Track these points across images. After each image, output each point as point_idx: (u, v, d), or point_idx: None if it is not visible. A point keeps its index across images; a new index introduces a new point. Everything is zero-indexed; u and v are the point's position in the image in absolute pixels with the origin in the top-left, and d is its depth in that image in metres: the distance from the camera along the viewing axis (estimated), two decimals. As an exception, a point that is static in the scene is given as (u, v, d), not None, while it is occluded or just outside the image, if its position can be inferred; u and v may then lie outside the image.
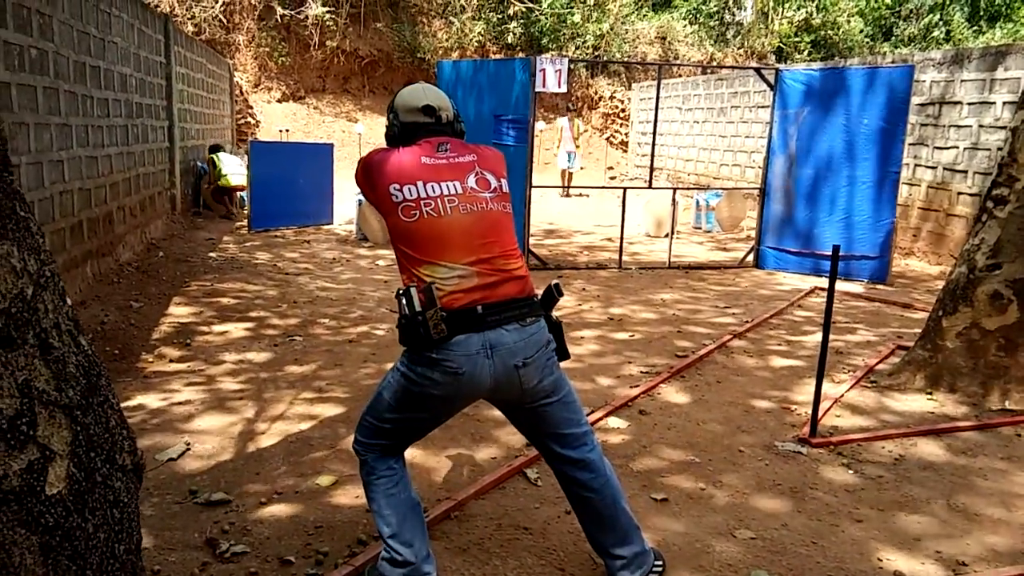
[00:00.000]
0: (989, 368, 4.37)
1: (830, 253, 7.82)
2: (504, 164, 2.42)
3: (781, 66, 11.37)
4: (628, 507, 2.44)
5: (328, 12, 17.46)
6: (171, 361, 4.60)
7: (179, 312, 5.70)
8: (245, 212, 10.30)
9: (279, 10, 17.22)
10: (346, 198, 11.04)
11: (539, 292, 2.34)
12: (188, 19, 16.34)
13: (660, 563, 2.52)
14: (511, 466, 3.26)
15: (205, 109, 11.63)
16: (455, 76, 8.11)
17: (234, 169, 10.40)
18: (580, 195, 14.75)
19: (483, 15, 18.94)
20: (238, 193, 10.66)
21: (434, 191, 2.22)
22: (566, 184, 14.34)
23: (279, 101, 17.97)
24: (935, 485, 3.34)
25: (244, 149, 14.42)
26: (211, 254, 8.01)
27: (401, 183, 2.22)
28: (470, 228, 2.22)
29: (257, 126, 16.90)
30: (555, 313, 2.38)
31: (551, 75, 7.43)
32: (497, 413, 3.82)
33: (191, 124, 10.56)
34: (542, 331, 2.27)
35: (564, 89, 7.74)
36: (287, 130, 16.74)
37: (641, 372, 4.69)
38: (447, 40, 18.66)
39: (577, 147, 14.46)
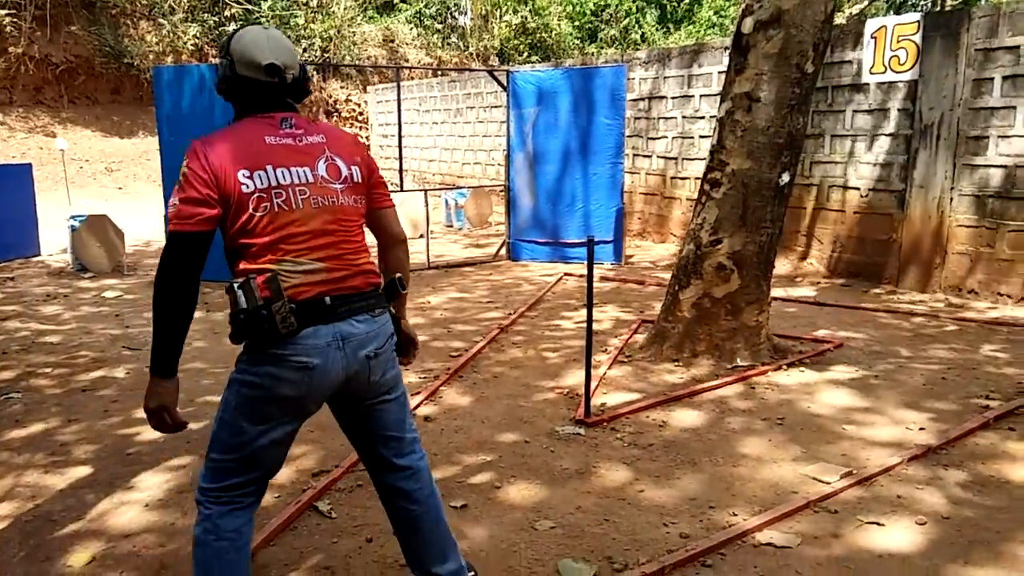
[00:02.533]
0: (721, 332, 4.92)
1: (574, 241, 8.35)
2: (359, 147, 2.19)
3: (512, 68, 11.92)
4: (446, 521, 2.35)
5: (8, 15, 15.15)
6: None
7: None
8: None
9: (-60, 11, 14.61)
10: (54, 224, 9.66)
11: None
12: None
13: (472, 574, 2.48)
14: (299, 502, 3.03)
15: None
16: (176, 83, 7.41)
17: None
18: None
19: (197, 17, 17.61)
20: None
21: (284, 178, 2.00)
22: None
23: (-48, 117, 15.27)
24: (697, 445, 3.68)
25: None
26: None
27: (251, 169, 1.96)
28: (322, 225, 2.03)
29: (-75, 148, 14.20)
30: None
31: (286, 80, 7.06)
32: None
33: None
34: (389, 323, 2.17)
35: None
36: (-34, 151, 14.28)
37: (420, 378, 4.64)
38: (158, 44, 17.09)
39: None
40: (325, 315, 2.00)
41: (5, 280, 7.77)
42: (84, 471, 3.40)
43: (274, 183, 1.99)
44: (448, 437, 3.78)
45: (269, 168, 2.00)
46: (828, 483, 3.24)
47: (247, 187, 1.96)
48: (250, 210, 1.97)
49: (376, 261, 2.23)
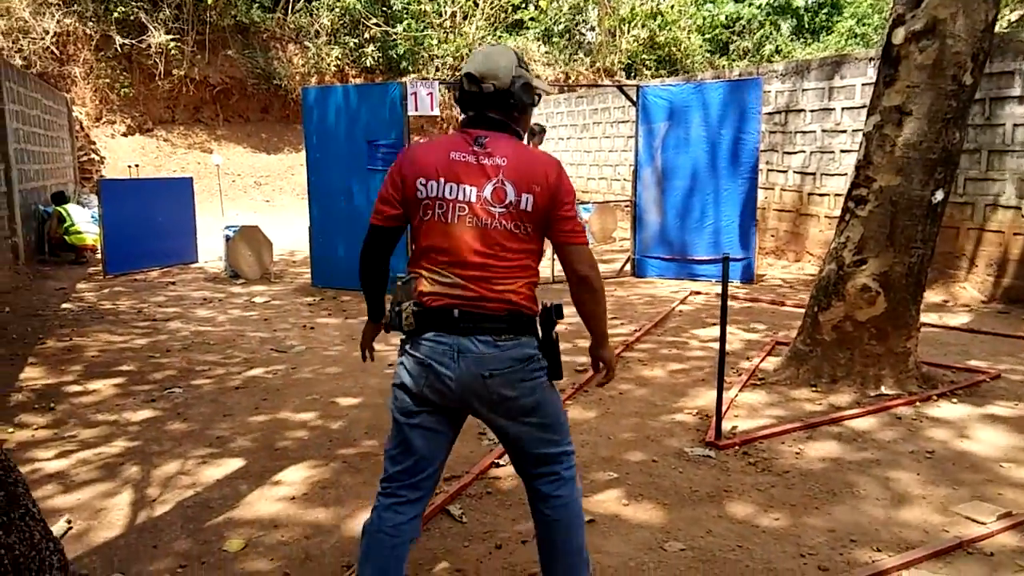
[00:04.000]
0: (864, 357, 4.68)
1: (703, 258, 8.19)
2: (545, 178, 2.16)
3: (642, 83, 11.86)
4: (583, 544, 2.34)
5: (172, 40, 16.59)
6: (36, 429, 4.13)
7: (36, 373, 5.15)
8: (98, 256, 9.53)
9: (118, 39, 16.19)
10: (211, 233, 10.46)
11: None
12: (16, 52, 15.05)
13: None
14: (433, 505, 3.13)
15: (44, 148, 10.71)
16: (322, 103, 7.88)
17: (86, 224, 9.60)
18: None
19: (339, 40, 18.62)
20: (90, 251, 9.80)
21: (450, 193, 2.16)
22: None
23: (124, 135, 16.86)
24: (837, 475, 3.52)
25: (90, 188, 13.44)
26: (65, 305, 7.33)
27: (427, 178, 2.17)
28: (471, 243, 2.14)
29: (102, 162, 15.75)
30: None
31: (423, 98, 7.36)
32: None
33: (30, 165, 9.69)
34: (519, 348, 2.17)
35: (436, 112, 7.70)
36: (136, 165, 15.71)
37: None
38: (303, 66, 18.20)
39: None
40: (449, 325, 2.14)
41: (168, 284, 8.48)
42: (237, 463, 3.66)
43: (440, 195, 2.15)
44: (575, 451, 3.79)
45: (442, 180, 2.15)
46: (983, 523, 3.01)
47: (420, 194, 2.17)
48: (420, 215, 2.19)
49: (531, 288, 2.24)
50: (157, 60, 16.65)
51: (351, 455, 3.76)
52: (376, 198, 2.26)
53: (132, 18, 16.39)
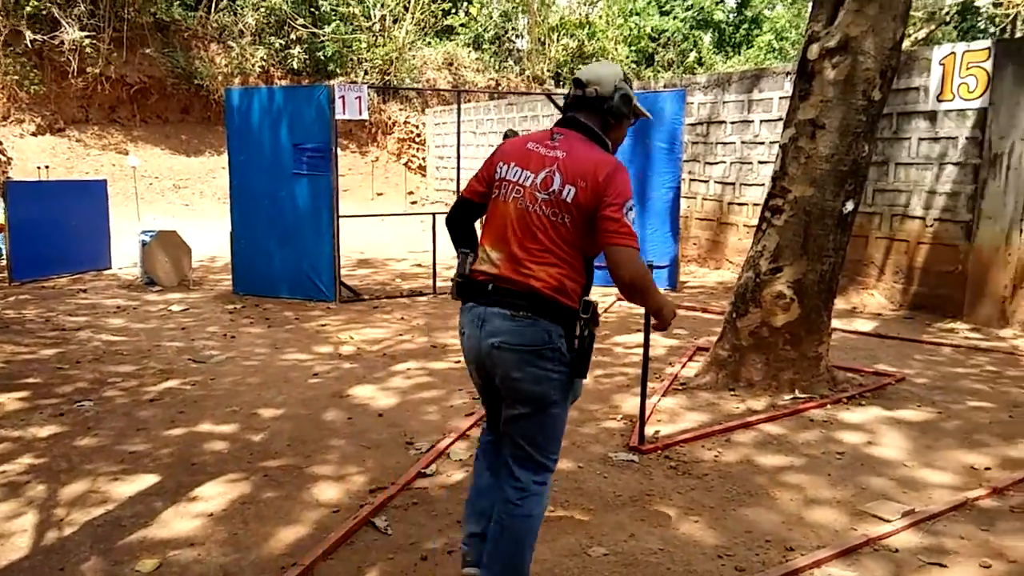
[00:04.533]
0: (779, 362, 4.85)
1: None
2: (594, 176, 2.25)
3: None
4: (519, 564, 2.40)
5: (87, 37, 15.92)
6: (-71, 448, 3.88)
7: (-69, 387, 4.85)
8: (3, 263, 9.04)
9: (28, 35, 15.44)
10: (126, 238, 10.07)
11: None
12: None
13: None
14: (357, 518, 3.09)
15: (-58, 146, 10.10)
16: (247, 104, 7.69)
17: None
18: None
19: (264, 40, 18.23)
20: None
21: (513, 176, 2.38)
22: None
23: (34, 135, 16.08)
24: (754, 477, 3.63)
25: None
26: (-36, 314, 6.92)
27: (505, 162, 2.42)
28: (515, 223, 2.34)
29: (9, 163, 14.96)
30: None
31: (351, 102, 7.28)
32: (325, 468, 3.66)
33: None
34: (534, 331, 2.27)
35: (365, 116, 7.62)
36: (47, 166, 15.00)
37: (474, 399, 4.68)
38: (227, 66, 17.73)
39: None
40: (482, 297, 2.36)
41: (79, 291, 8.11)
42: (152, 479, 3.53)
43: (506, 176, 2.40)
44: (502, 459, 3.80)
45: (512, 165, 2.40)
46: (889, 521, 3.16)
47: (496, 175, 2.44)
48: (492, 194, 2.45)
49: (562, 278, 2.29)
50: (71, 57, 15.96)
51: (273, 468, 3.67)
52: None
53: (44, 13, 15.67)
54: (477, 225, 2.56)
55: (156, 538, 3.00)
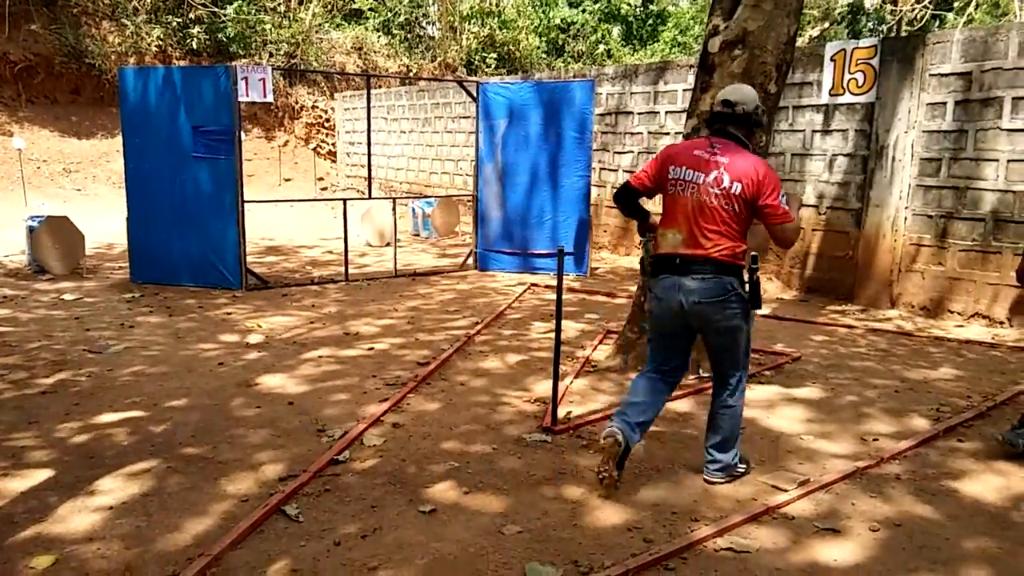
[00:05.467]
0: (685, 343, 5.02)
1: (541, 252, 8.39)
2: (754, 174, 3.15)
3: (482, 79, 11.99)
4: (732, 427, 3.39)
5: (-37, 9, 14.79)
6: None
7: None
8: None
9: None
10: (12, 225, 9.45)
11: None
12: None
13: (744, 466, 3.49)
14: (267, 505, 3.03)
15: None
16: (142, 85, 7.33)
17: None
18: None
19: (161, 19, 17.38)
20: None
21: (687, 176, 3.24)
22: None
23: (-97, 113, 14.83)
24: (660, 453, 3.76)
25: None
26: None
27: (677, 165, 3.28)
28: (692, 213, 3.21)
29: None
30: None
31: (255, 83, 7.05)
32: (233, 457, 3.59)
33: None
34: (718, 286, 3.19)
35: (270, 98, 7.41)
36: (-83, 147, 13.87)
37: (387, 385, 4.65)
38: (120, 45, 16.82)
39: None
40: (672, 269, 3.25)
41: (-42, 281, 7.57)
42: (45, 474, 3.35)
43: (681, 178, 3.26)
44: (416, 444, 3.80)
45: (684, 167, 3.26)
46: (786, 491, 3.34)
47: (671, 175, 3.30)
48: (667, 190, 3.31)
49: (732, 247, 3.19)
50: (-57, 30, 14.77)
51: (177, 459, 3.54)
52: (637, 170, 3.57)
53: (-88, -19, 14.44)
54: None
55: (52, 534, 2.86)
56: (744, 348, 3.37)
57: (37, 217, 7.98)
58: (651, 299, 3.37)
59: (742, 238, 3.23)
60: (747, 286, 3.24)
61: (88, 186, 15.27)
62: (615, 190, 3.45)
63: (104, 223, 10.88)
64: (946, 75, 6.73)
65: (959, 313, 6.80)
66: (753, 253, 3.22)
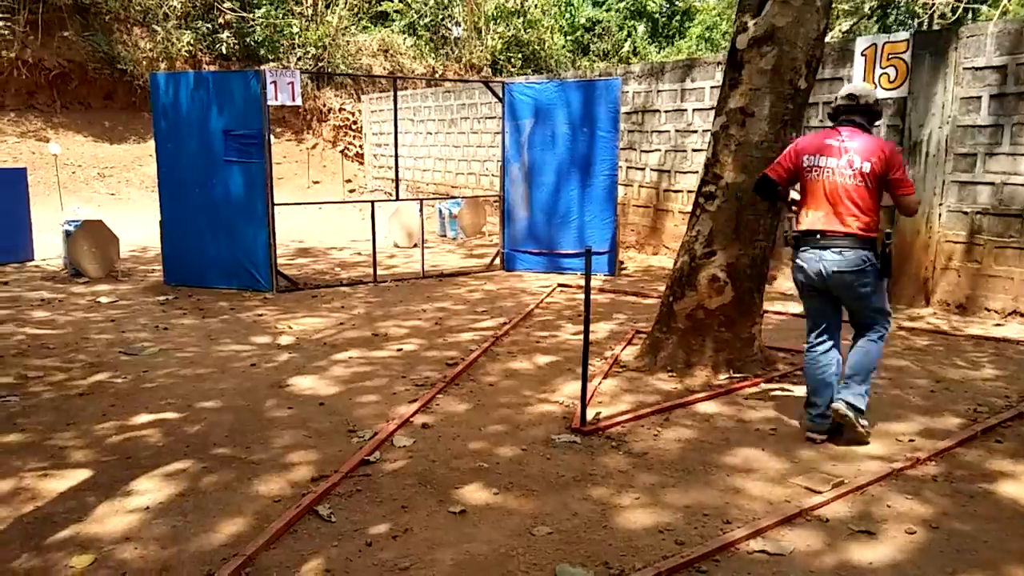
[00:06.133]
0: (715, 343, 4.98)
1: (568, 252, 8.38)
2: (881, 153, 3.69)
3: (508, 80, 11.99)
4: (868, 364, 3.83)
5: (1, 19, 15.13)
6: None
7: None
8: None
9: (-65, 14, 14.59)
10: (49, 229, 9.66)
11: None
12: None
13: (867, 429, 3.83)
14: (299, 506, 3.06)
15: None
16: (174, 89, 7.45)
17: None
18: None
19: (190, 24, 17.64)
20: None
21: (822, 163, 3.78)
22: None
23: (-56, 121, 15.22)
24: (691, 455, 3.73)
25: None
26: None
27: (809, 154, 3.83)
28: (830, 193, 3.75)
29: (-84, 151, 14.14)
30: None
31: (284, 87, 7.13)
32: (266, 458, 3.63)
33: None
34: (856, 256, 3.70)
35: (299, 101, 7.49)
36: (-42, 154, 14.23)
37: (416, 386, 4.68)
38: (151, 50, 17.11)
39: None
40: (814, 243, 3.79)
41: (1, 284, 7.76)
42: (84, 474, 3.42)
43: (816, 164, 3.79)
44: (446, 444, 3.81)
45: (818, 155, 3.80)
46: (820, 493, 3.30)
47: (805, 163, 3.85)
48: (805, 177, 3.85)
49: (867, 222, 3.71)
50: (-18, 40, 15.15)
51: (210, 460, 3.60)
52: (775, 164, 4.05)
53: (-48, -7, 14.83)
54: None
55: (90, 534, 2.91)
56: (878, 306, 3.84)
57: (73, 221, 8.14)
58: (796, 269, 3.89)
59: (875, 213, 3.72)
60: (879, 258, 3.74)
61: (121, 190, 15.56)
62: (755, 183, 4.21)
63: (138, 226, 11.07)
64: (980, 69, 6.59)
65: (996, 311, 6.66)
66: (888, 230, 3.80)
